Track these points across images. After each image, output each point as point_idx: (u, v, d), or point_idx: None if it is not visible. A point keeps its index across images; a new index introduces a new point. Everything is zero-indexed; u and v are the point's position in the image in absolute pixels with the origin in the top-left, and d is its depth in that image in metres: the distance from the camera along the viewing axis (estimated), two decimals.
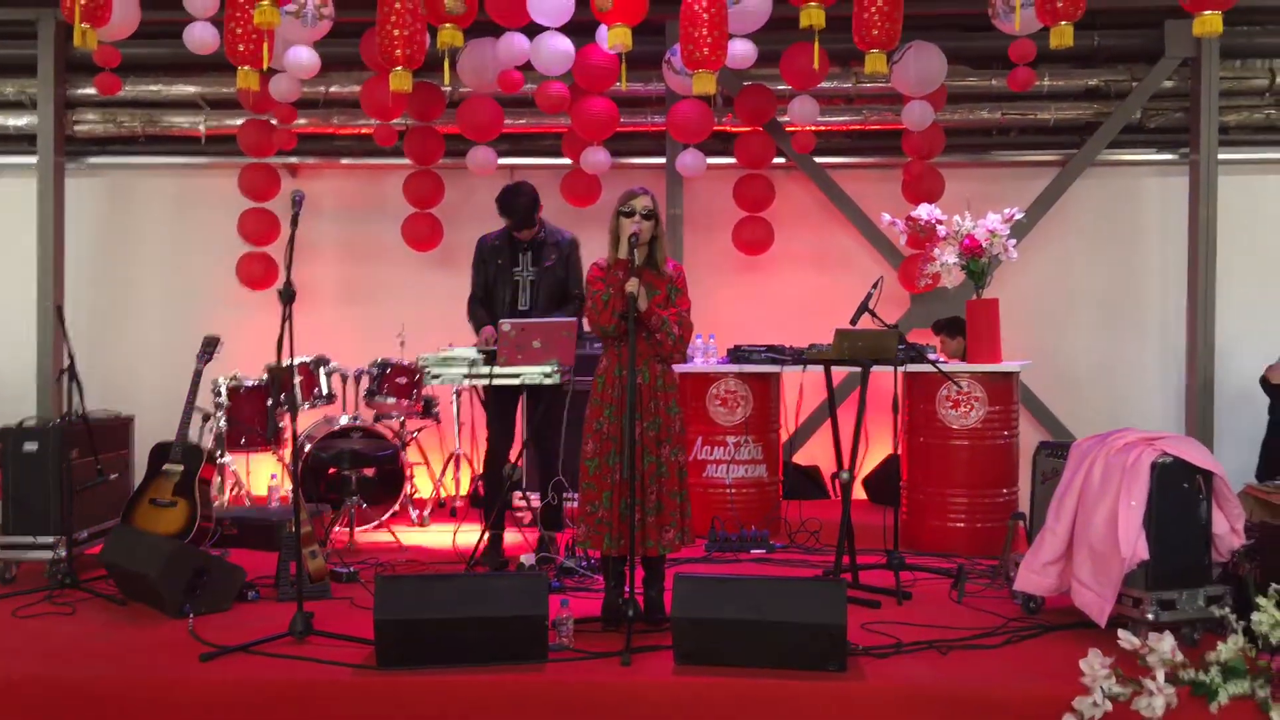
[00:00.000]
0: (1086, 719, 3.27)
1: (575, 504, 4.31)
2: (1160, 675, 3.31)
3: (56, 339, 7.34)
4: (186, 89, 7.70)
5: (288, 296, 4.02)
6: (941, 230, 5.67)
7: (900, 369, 5.03)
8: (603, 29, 6.28)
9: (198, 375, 5.49)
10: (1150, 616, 3.70)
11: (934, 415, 5.57)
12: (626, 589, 3.95)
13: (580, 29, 6.53)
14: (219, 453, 6.27)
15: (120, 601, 4.51)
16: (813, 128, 7.31)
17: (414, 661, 3.60)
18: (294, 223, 4.19)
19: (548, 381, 4.91)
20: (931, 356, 5.40)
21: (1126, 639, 3.44)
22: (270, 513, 5.88)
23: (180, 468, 5.14)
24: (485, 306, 5.47)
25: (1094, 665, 3.30)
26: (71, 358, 4.92)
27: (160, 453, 5.21)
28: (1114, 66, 7.54)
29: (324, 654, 3.74)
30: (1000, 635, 3.93)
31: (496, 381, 4.94)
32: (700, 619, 3.60)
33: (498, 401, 5.23)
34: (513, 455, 5.22)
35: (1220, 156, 7.39)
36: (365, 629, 3.75)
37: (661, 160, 7.59)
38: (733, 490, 5.91)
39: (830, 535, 5.60)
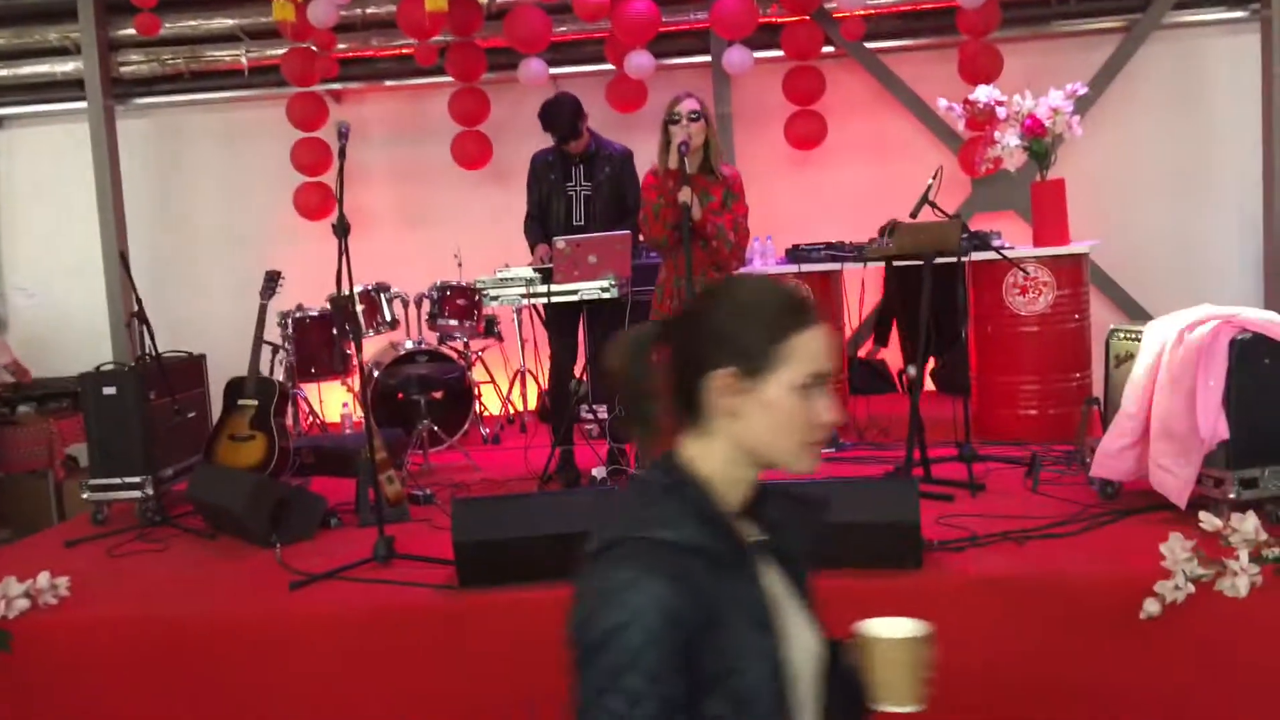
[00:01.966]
0: (1169, 602, 3.24)
1: None
2: (1244, 555, 3.25)
3: (123, 284, 7.47)
4: (225, 22, 7.65)
5: (342, 230, 4.04)
6: (1001, 112, 5.48)
7: (965, 258, 4.92)
8: None
9: (263, 310, 5.57)
10: (1232, 496, 3.64)
11: (1001, 302, 5.46)
12: None
13: None
14: (290, 385, 6.39)
15: (209, 535, 4.66)
16: (862, 12, 7.06)
17: (494, 580, 3.67)
18: (341, 154, 4.19)
19: (606, 295, 4.89)
20: (997, 243, 5.28)
21: (1208, 520, 3.38)
22: (345, 440, 5.99)
23: (255, 402, 5.24)
24: (540, 223, 5.44)
25: (1175, 548, 3.26)
26: (139, 302, 5.01)
27: (234, 389, 5.32)
28: None
29: (407, 576, 3.83)
30: (1078, 522, 3.89)
31: (555, 299, 4.93)
32: None
33: (558, 318, 5.23)
34: (577, 370, 5.25)
35: None
36: (445, 550, 3.82)
37: (707, 59, 7.41)
38: None
39: (900, 430, 5.54)
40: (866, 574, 3.49)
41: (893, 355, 7.32)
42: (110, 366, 5.15)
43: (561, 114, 5.22)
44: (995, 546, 3.70)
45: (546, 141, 5.40)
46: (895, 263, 5.15)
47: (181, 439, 5.31)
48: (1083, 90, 5.54)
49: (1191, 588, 3.23)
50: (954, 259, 4.79)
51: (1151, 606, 3.25)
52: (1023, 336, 5.44)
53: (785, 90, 7.34)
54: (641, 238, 4.27)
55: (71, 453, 6.44)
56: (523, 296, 4.97)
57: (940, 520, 3.99)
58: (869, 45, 7.40)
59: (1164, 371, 3.82)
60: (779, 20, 7.31)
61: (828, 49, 7.35)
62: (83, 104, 7.75)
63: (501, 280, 5.01)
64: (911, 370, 4.68)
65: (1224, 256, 7.55)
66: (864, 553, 3.52)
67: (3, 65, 7.92)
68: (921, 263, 4.72)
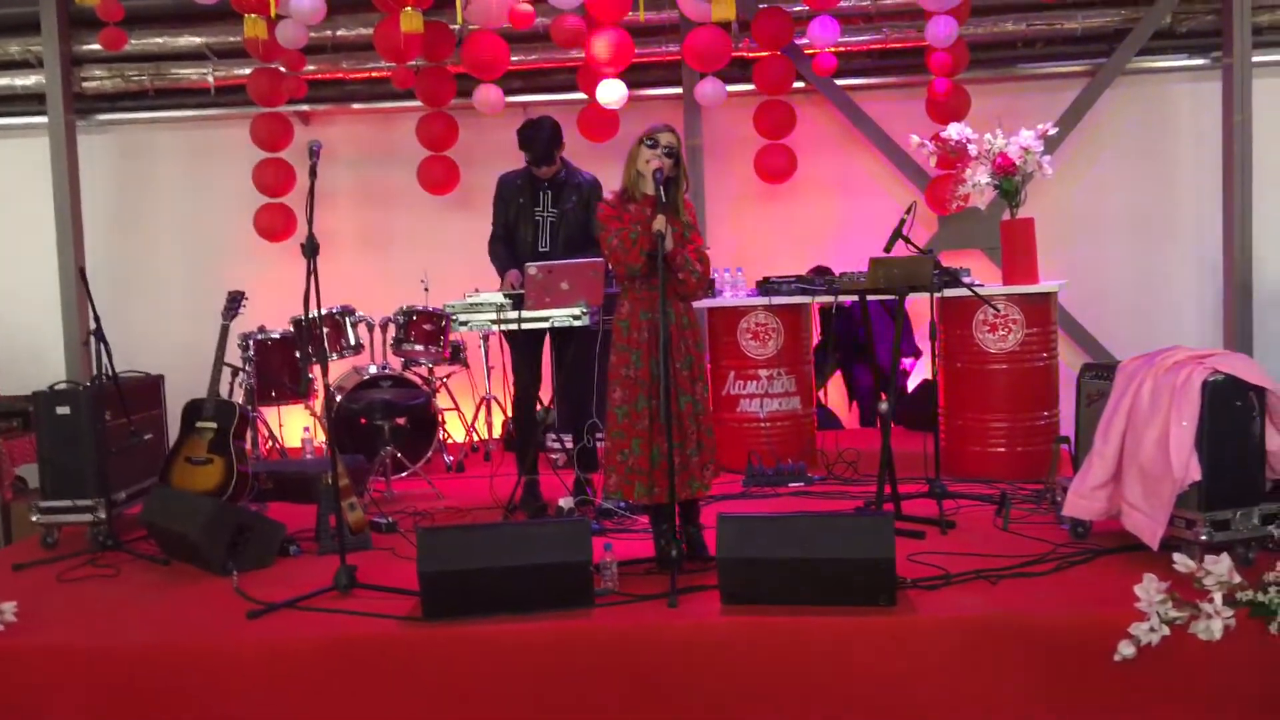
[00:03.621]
0: (1144, 644, 3.22)
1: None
2: (1218, 597, 3.25)
3: (80, 301, 7.32)
4: (192, 40, 7.57)
5: (311, 250, 3.94)
6: (973, 149, 5.52)
7: (937, 293, 4.93)
8: None
9: (225, 331, 5.46)
10: (1204, 537, 3.64)
11: (971, 339, 5.47)
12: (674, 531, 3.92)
13: None
14: (250, 408, 6.26)
15: (163, 561, 4.52)
16: (832, 49, 7.11)
17: (460, 612, 3.59)
18: (312, 173, 4.10)
19: (577, 323, 4.84)
20: (967, 280, 5.30)
21: (1182, 562, 3.38)
22: (306, 465, 5.87)
23: (214, 425, 5.12)
24: (506, 246, 5.38)
25: (1150, 590, 3.24)
26: (98, 319, 4.88)
27: (192, 411, 5.19)
28: None
29: (370, 607, 3.73)
30: (1049, 562, 3.88)
31: (525, 326, 4.87)
32: (746, 558, 3.56)
33: (523, 344, 5.16)
34: (544, 397, 5.18)
35: (1254, 59, 7.17)
36: (408, 580, 3.75)
37: (679, 90, 7.42)
38: (767, 424, 5.85)
39: (868, 465, 5.54)
40: (840, 611, 3.46)
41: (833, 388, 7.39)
42: (64, 385, 5.01)
43: (540, 136, 5.17)
44: (968, 586, 3.68)
45: (514, 165, 5.35)
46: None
47: (136, 461, 5.16)
48: (1053, 130, 5.61)
49: (1166, 630, 3.22)
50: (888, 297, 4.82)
51: (1126, 649, 3.23)
52: (992, 374, 5.45)
53: (756, 123, 7.36)
54: (612, 266, 4.22)
55: (21, 473, 6.24)
56: (493, 322, 4.91)
57: (912, 558, 3.97)
58: (839, 82, 7.45)
59: (1136, 411, 3.83)
60: (751, 55, 7.35)
61: (798, 84, 7.39)
62: (43, 119, 7.61)
63: (471, 305, 4.94)
64: (883, 406, 4.65)
65: (1183, 298, 7.67)
66: (838, 590, 3.49)
67: None
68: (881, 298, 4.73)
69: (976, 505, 4.82)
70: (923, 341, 7.07)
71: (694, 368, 4.09)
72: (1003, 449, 5.45)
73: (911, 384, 7.24)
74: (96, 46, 7.29)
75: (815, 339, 6.29)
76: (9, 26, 7.66)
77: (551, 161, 5.22)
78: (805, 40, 7.05)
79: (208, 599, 3.98)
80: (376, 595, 3.85)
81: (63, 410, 4.91)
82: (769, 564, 3.54)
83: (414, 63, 7.13)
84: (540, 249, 5.27)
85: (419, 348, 6.25)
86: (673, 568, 3.74)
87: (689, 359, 4.07)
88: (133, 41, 7.32)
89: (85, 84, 7.73)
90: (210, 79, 7.67)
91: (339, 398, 6.00)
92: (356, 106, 7.88)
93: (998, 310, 5.38)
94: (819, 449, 5.99)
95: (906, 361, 7.15)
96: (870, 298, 5.18)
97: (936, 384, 5.68)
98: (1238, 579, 3.29)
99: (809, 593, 3.51)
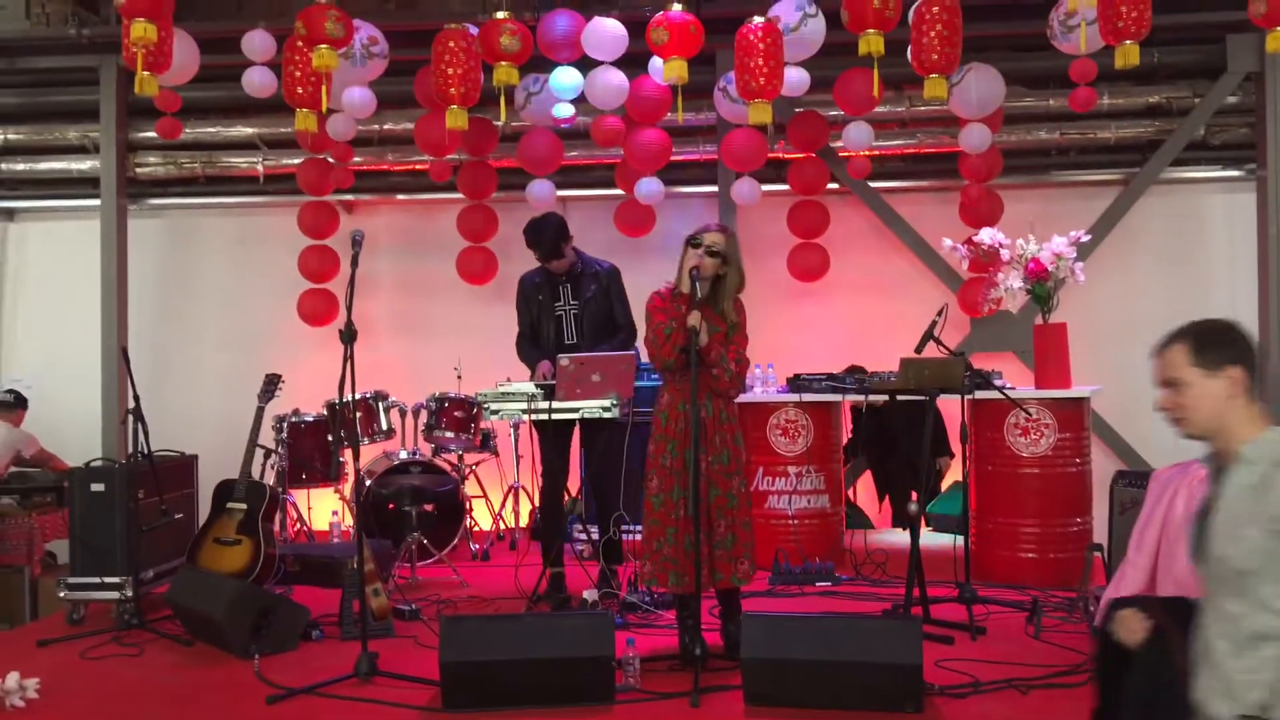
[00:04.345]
0: None
1: (636, 537, 4.26)
2: None
3: (121, 380, 7.44)
4: (244, 130, 7.82)
5: (349, 336, 4.02)
6: (1005, 254, 5.56)
7: (968, 395, 4.92)
8: (655, 61, 6.28)
9: (260, 413, 5.53)
10: None
11: (1002, 443, 5.43)
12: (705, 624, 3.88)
13: (630, 61, 6.52)
14: (281, 490, 6.29)
15: (187, 642, 4.52)
16: (867, 152, 7.23)
17: (479, 703, 3.57)
18: (354, 263, 4.21)
19: (607, 415, 4.87)
20: (999, 383, 5.28)
21: None
22: (332, 549, 5.87)
23: (244, 506, 5.16)
24: (532, 344, 5.43)
25: None
26: (137, 399, 4.96)
27: (224, 491, 5.24)
28: (1175, 83, 7.38)
29: (389, 695, 3.72)
30: (1082, 673, 3.79)
31: (556, 416, 4.90)
32: (771, 659, 3.52)
33: (552, 435, 5.18)
34: (572, 488, 5.18)
35: None
36: (429, 668, 3.73)
37: (714, 189, 7.55)
38: (795, 521, 5.81)
39: (896, 565, 5.49)
40: (866, 716, 3.39)
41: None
42: (100, 463, 5.08)
43: (545, 232, 5.25)
44: (998, 694, 3.62)
45: (535, 263, 5.44)
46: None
47: (166, 540, 5.20)
48: (1085, 238, 5.64)
49: None
50: (920, 398, 4.83)
51: None
52: (1023, 478, 5.40)
53: (790, 223, 7.46)
54: (647, 358, 4.28)
55: (50, 548, 6.29)
56: (524, 412, 4.94)
57: (940, 664, 3.90)
58: (873, 184, 7.55)
59: (1170, 522, 3.77)
60: (786, 156, 7.48)
61: (832, 185, 7.50)
62: (96, 201, 7.84)
63: (503, 394, 4.99)
64: (913, 507, 4.62)
65: None
66: (864, 694, 3.43)
67: (21, 160, 8.05)
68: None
69: (1007, 611, 4.73)
70: (954, 443, 7.04)
71: (731, 462, 4.10)
72: (1034, 554, 5.37)
73: (944, 485, 7.18)
74: (152, 134, 7.56)
75: (845, 437, 6.28)
76: (69, 113, 7.96)
77: (560, 255, 5.28)
78: (840, 143, 7.18)
79: (229, 682, 3.98)
80: (397, 683, 3.83)
81: (97, 487, 4.98)
82: (794, 665, 3.49)
83: (453, 156, 7.32)
84: (567, 341, 5.31)
85: (449, 435, 6.28)
86: (696, 665, 3.70)
87: (726, 452, 4.09)
88: (187, 130, 7.56)
89: (139, 169, 7.98)
90: (260, 168, 7.90)
91: (369, 482, 6.03)
92: (400, 197, 8.07)
93: (1030, 414, 5.35)
94: (847, 548, 5.93)
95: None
96: (901, 398, 5.17)
97: (968, 486, 5.63)
98: None
99: (834, 696, 3.46)
